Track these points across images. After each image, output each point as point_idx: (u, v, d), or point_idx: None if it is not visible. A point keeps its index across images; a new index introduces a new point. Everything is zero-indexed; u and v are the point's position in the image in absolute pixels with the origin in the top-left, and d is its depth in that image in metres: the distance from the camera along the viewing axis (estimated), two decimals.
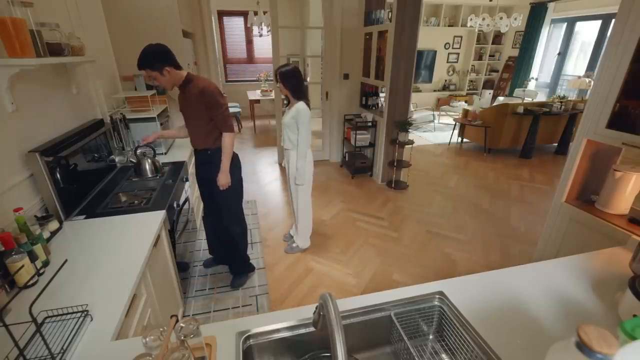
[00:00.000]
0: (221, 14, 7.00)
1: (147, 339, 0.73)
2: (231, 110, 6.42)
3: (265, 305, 2.19)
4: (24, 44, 1.26)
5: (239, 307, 2.18)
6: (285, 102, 2.43)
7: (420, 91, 8.15)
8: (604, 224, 1.68)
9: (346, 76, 4.43)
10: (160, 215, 1.63)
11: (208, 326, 0.94)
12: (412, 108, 4.70)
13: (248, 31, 7.17)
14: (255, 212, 3.38)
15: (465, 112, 5.65)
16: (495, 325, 0.95)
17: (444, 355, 1.02)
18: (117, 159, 2.22)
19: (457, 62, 8.23)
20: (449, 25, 7.48)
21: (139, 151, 2.13)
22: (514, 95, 7.21)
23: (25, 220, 1.21)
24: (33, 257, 1.17)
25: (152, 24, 2.82)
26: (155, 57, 1.71)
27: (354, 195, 3.86)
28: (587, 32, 6.19)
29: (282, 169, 4.63)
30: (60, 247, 1.39)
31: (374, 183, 4.19)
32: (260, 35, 6.54)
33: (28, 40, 1.28)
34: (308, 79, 7.36)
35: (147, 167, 2.11)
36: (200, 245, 2.79)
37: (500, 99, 6.98)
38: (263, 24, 6.04)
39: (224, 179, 2.00)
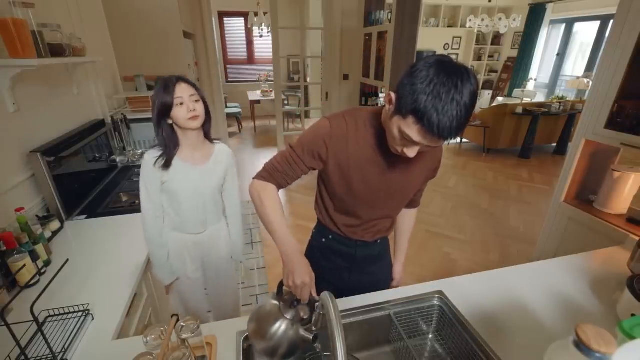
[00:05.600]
0: (222, 15, 7.01)
1: (148, 338, 0.73)
2: (231, 110, 6.46)
3: None
4: (26, 45, 1.27)
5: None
6: (161, 156, 1.17)
7: None
8: (603, 224, 1.69)
9: (346, 77, 4.43)
10: None
11: (209, 325, 0.95)
12: None
13: (248, 32, 7.18)
14: (256, 212, 3.39)
15: None
16: (494, 324, 0.95)
17: (443, 355, 1.02)
18: (118, 159, 2.22)
19: None
20: (448, 26, 7.48)
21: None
22: (513, 95, 7.22)
23: (26, 220, 1.22)
24: (34, 257, 1.17)
25: (153, 25, 2.82)
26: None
27: None
28: (586, 33, 6.19)
29: None
30: (61, 246, 1.39)
31: None
32: (261, 36, 6.55)
33: (29, 40, 1.29)
34: (308, 80, 7.37)
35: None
36: None
37: (500, 99, 6.99)
38: (263, 24, 6.05)
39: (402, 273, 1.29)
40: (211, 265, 1.43)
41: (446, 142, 0.83)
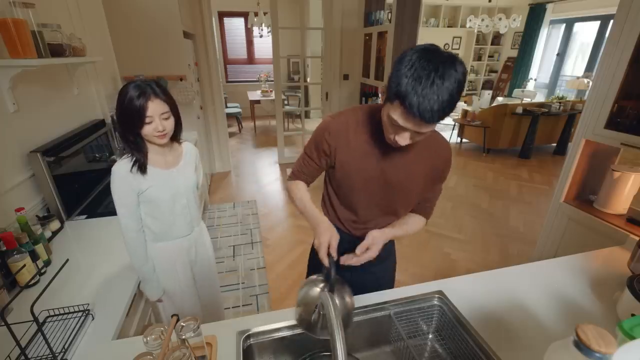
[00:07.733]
0: (222, 15, 7.01)
1: (148, 338, 0.73)
2: (232, 110, 6.45)
3: (265, 304, 2.19)
4: (26, 45, 1.27)
5: (239, 306, 2.18)
6: (135, 162, 1.14)
7: None
8: (603, 224, 1.69)
9: (346, 77, 4.44)
10: None
11: (209, 325, 0.95)
12: None
13: (248, 32, 7.18)
14: (256, 212, 3.39)
15: (465, 113, 5.66)
16: (494, 324, 0.95)
17: (443, 355, 1.02)
18: (118, 159, 2.22)
19: None
20: (448, 26, 7.48)
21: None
22: (513, 95, 7.22)
23: (26, 220, 1.22)
24: (34, 257, 1.17)
25: (153, 25, 2.82)
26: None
27: None
28: (586, 33, 6.20)
29: (283, 168, 4.62)
30: (61, 246, 1.39)
31: None
32: (261, 36, 6.55)
33: (30, 41, 1.29)
34: (308, 80, 7.37)
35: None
36: None
37: (500, 99, 6.98)
38: (263, 24, 6.05)
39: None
40: (200, 266, 1.42)
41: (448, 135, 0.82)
